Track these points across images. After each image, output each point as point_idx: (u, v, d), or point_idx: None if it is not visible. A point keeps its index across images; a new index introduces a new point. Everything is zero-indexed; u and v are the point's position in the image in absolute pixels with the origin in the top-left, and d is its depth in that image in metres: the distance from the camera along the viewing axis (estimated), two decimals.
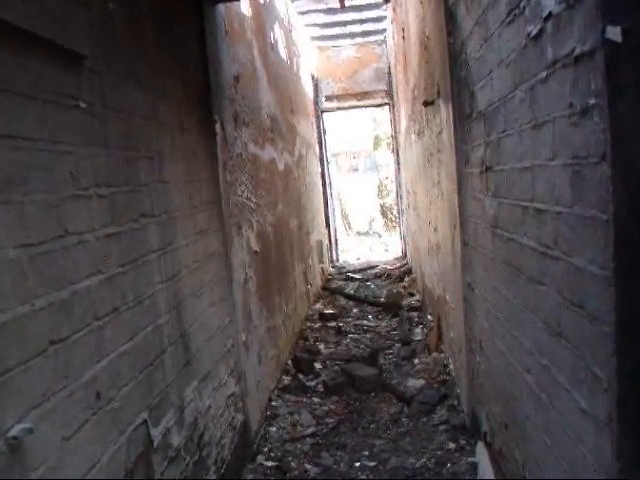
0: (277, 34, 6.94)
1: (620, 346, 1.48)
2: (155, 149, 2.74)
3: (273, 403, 4.86)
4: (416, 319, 7.04)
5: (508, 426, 2.81)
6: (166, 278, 2.74)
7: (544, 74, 1.87)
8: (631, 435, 1.52)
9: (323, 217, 11.10)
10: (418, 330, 6.58)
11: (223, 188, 3.84)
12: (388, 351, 6.11)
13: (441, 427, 4.21)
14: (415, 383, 5.03)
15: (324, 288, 9.05)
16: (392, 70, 10.59)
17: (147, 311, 2.47)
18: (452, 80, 3.63)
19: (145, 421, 2.35)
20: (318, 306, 8.08)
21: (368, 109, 14.90)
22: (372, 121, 18.86)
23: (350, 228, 17.09)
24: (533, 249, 2.13)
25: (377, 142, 18.77)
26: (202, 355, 3.21)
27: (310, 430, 4.43)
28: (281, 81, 7.11)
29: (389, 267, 10.50)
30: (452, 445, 3.92)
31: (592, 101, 1.51)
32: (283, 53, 7.39)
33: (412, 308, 7.46)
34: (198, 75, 3.61)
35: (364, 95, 11.82)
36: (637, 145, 1.42)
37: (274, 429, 4.48)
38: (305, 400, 5.00)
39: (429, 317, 6.37)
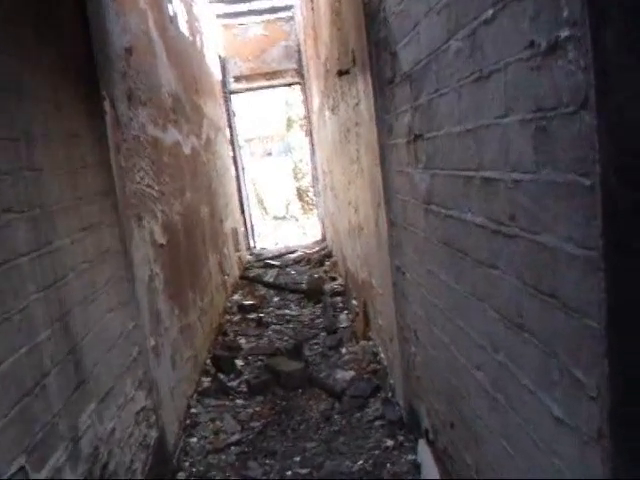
0: (176, 7, 6.39)
1: (613, 346, 1.17)
2: (20, 129, 2.24)
3: (192, 410, 4.42)
4: (340, 304, 6.73)
5: (454, 425, 2.51)
6: (45, 285, 2.26)
7: (490, 13, 1.53)
8: (627, 454, 1.22)
9: (237, 203, 10.62)
10: (343, 316, 6.27)
11: (117, 175, 3.35)
12: (313, 341, 5.77)
13: (376, 423, 3.91)
14: (345, 375, 4.72)
15: (242, 277, 8.62)
16: (302, 47, 10.19)
17: (17, 329, 1.99)
18: (369, 43, 3.27)
19: (22, 468, 1.89)
20: (237, 297, 7.64)
21: (280, 91, 14.49)
22: (284, 104, 18.39)
23: (267, 213, 16.65)
24: (481, 227, 1.81)
25: (289, 124, 18.33)
26: (100, 371, 2.75)
27: (235, 437, 4.03)
28: (183, 58, 6.58)
29: (308, 251, 10.17)
30: (390, 442, 3.62)
31: (565, 33, 1.17)
32: (184, 28, 6.84)
33: (335, 293, 7.15)
34: (80, 44, 3.09)
35: (274, 74, 11.36)
36: (626, 86, 1.10)
37: (195, 440, 4.05)
38: (228, 403, 4.59)
39: (354, 302, 6.07)
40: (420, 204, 2.55)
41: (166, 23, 5.71)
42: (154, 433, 3.46)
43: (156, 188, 4.37)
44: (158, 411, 3.58)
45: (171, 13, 6.06)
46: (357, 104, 4.00)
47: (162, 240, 4.35)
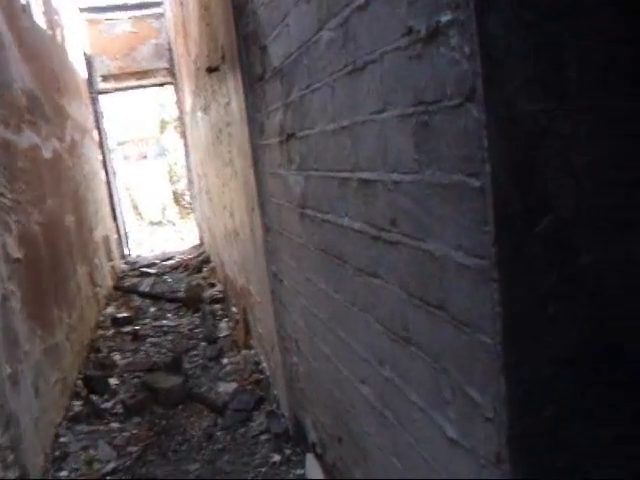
0: None
1: (509, 363, 1.06)
2: None
3: (61, 439, 4.02)
4: (220, 312, 6.48)
5: (342, 440, 2.38)
6: None
7: None
8: (527, 477, 1.12)
9: (109, 209, 10.06)
10: (223, 324, 6.03)
11: None
12: (193, 352, 5.49)
13: (262, 437, 3.72)
14: (227, 387, 4.49)
15: (116, 288, 8.13)
16: (173, 45, 9.80)
17: None
18: (238, 38, 3.08)
19: None
20: (110, 310, 7.18)
21: (153, 92, 13.97)
22: (159, 105, 17.76)
23: (142, 219, 15.99)
24: (360, 232, 1.67)
25: (163, 126, 17.74)
26: None
27: (110, 466, 3.69)
28: (41, 53, 6.05)
29: (186, 257, 9.81)
30: (277, 457, 3.44)
31: (446, 18, 1.04)
32: (41, 20, 6.30)
33: (214, 300, 6.89)
34: None
35: (145, 74, 10.86)
36: (516, 75, 0.99)
37: (65, 473, 3.66)
38: (102, 428, 4.22)
39: (233, 309, 5.85)
40: (295, 208, 2.39)
41: (17, 13, 5.21)
42: (13, 474, 3.09)
43: (9, 196, 3.94)
44: (18, 448, 3.20)
45: (23, 2, 5.55)
46: (228, 103, 3.80)
47: (18, 254, 3.92)
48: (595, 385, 1.12)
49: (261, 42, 2.63)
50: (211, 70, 4.00)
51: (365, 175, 1.55)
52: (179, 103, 10.82)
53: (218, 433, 3.94)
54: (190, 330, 6.18)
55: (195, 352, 5.49)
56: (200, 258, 9.38)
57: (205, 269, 8.64)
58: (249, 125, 3.13)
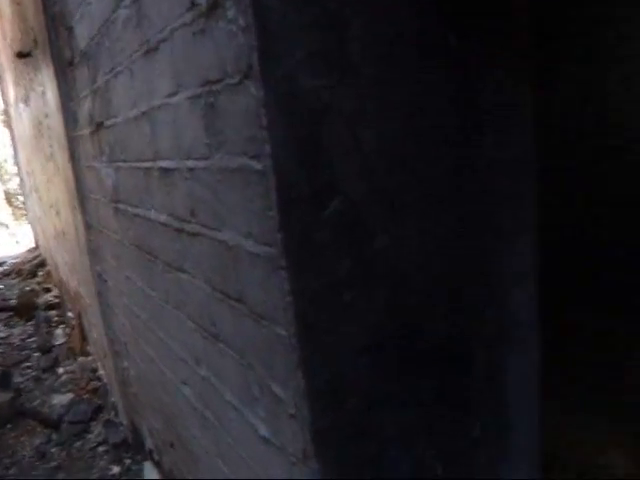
0: None
1: (306, 356, 1.00)
2: None
3: None
4: (56, 319, 6.04)
5: (174, 445, 2.26)
6: None
7: None
8: (335, 474, 1.08)
9: None
10: (59, 331, 5.62)
11: None
12: (26, 364, 5.06)
13: (100, 449, 3.48)
14: (62, 399, 4.17)
15: None
16: None
17: None
18: (47, 18, 2.82)
19: None
20: None
21: None
22: None
23: None
24: (165, 225, 1.56)
25: None
26: None
27: None
28: None
29: (20, 262, 9.10)
30: (116, 469, 3.23)
31: None
32: None
33: (50, 306, 6.41)
34: None
35: None
36: (297, 49, 0.93)
37: None
38: None
39: (69, 314, 5.48)
40: (109, 203, 2.22)
41: None
42: None
43: None
44: None
45: None
46: (44, 92, 3.50)
47: None
48: (396, 368, 1.10)
49: (68, 23, 2.42)
50: (22, 55, 3.66)
51: (165, 164, 1.44)
52: (3, 94, 9.98)
53: (52, 450, 3.65)
54: (22, 340, 5.71)
55: (28, 364, 5.07)
56: (35, 262, 8.72)
57: (40, 273, 8.04)
58: (64, 115, 2.88)
